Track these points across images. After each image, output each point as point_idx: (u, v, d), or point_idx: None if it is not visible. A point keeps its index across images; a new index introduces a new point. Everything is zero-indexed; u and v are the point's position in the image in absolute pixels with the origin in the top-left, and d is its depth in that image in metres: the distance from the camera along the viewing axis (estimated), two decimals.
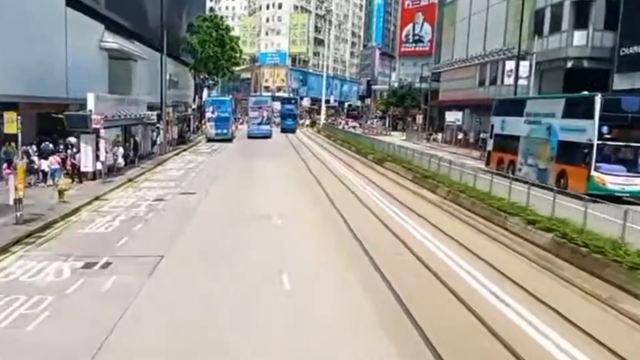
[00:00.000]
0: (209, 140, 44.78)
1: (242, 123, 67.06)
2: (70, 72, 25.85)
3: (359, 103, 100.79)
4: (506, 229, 13.88)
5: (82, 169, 20.76)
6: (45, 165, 20.04)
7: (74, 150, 21.03)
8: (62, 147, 22.83)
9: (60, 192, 16.58)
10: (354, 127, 69.33)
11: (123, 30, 34.55)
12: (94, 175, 21.08)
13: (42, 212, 15.15)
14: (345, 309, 8.78)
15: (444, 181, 19.43)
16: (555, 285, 10.29)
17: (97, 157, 20.70)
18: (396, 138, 50.45)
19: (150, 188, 20.60)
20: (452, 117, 44.31)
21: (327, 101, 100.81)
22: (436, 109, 56.31)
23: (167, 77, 47.13)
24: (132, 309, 8.64)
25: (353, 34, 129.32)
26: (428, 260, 11.20)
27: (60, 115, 21.10)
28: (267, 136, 50.82)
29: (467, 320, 8.32)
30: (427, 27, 72.32)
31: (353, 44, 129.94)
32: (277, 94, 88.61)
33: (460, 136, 43.24)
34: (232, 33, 61.39)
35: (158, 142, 32.35)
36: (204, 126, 48.81)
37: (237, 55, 58.42)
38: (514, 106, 26.75)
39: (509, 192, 15.19)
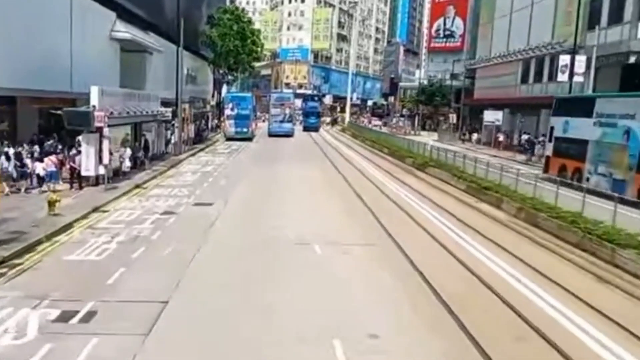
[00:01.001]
0: (228, 139, 42.00)
1: (263, 121, 64.23)
2: (75, 63, 23.18)
3: (383, 101, 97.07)
4: (616, 266, 10.58)
5: (83, 173, 17.97)
6: (40, 168, 17.30)
7: (74, 151, 18.21)
8: (59, 147, 20.16)
9: (50, 204, 13.73)
10: (378, 126, 66.04)
11: (137, 20, 31.87)
12: (97, 180, 18.28)
13: (26, 230, 12.33)
14: None
15: (510, 195, 16.09)
16: None
17: (100, 160, 17.86)
18: (427, 138, 46.97)
19: (160, 196, 17.68)
20: (491, 116, 40.64)
21: (350, 99, 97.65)
22: (468, 108, 52.71)
23: (185, 71, 44.61)
24: None
25: (377, 29, 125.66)
26: (545, 326, 7.94)
27: (58, 112, 18.35)
28: (289, 134, 48.52)
29: None
30: (458, 21, 68.50)
31: (377, 39, 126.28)
32: (298, 91, 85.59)
33: (501, 138, 39.48)
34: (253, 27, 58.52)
35: (173, 141, 29.54)
36: (223, 124, 46.01)
37: (259, 49, 55.54)
38: (580, 105, 23.22)
39: (614, 214, 11.79)
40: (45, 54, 20.78)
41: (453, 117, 50.42)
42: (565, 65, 30.58)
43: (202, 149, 33.90)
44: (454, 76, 64.18)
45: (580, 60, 30.00)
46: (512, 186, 16.86)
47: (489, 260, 11.21)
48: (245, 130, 42.36)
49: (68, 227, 13.08)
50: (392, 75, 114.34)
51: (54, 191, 14.93)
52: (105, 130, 17.72)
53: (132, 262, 10.61)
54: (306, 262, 10.95)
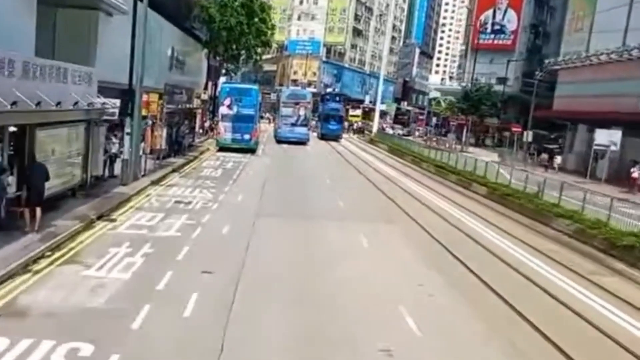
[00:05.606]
0: (221, 148, 29.39)
1: (272, 122, 51.83)
2: None
3: (406, 106, 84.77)
4: None
5: None
6: None
7: None
8: None
9: None
10: (398, 135, 54.06)
11: None
12: None
13: None
14: None
15: None
16: None
17: None
18: (484, 157, 34.25)
19: None
20: (604, 137, 28.02)
21: (362, 101, 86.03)
22: (531, 122, 40.31)
23: (169, 52, 32.17)
24: None
25: (394, 27, 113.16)
26: None
27: None
28: (302, 142, 38.00)
29: None
30: (511, 14, 55.97)
31: (393, 38, 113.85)
32: (307, 89, 72.98)
33: (636, 173, 25.80)
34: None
35: (123, 158, 16.61)
36: (217, 127, 33.19)
37: (268, 30, 42.78)
38: None
39: None
40: None
41: (528, 134, 37.74)
42: None
43: (177, 168, 21.07)
44: (502, 80, 53.46)
45: None
46: None
47: None
48: (246, 137, 29.86)
49: None
50: (407, 78, 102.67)
51: None
52: None
53: None
54: None
